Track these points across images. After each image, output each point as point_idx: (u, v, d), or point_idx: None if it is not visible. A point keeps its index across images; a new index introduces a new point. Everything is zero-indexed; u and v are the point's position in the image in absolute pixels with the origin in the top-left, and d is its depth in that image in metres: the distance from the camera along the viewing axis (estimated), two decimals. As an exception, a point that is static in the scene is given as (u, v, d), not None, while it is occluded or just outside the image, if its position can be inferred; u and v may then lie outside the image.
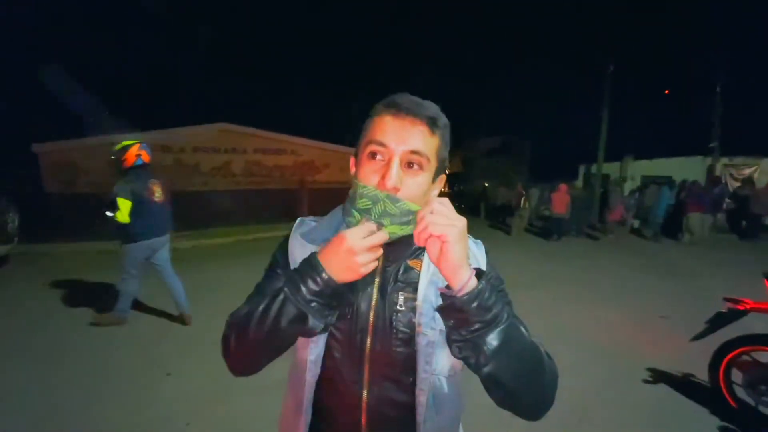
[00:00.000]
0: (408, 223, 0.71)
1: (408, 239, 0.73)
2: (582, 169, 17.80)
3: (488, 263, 0.82)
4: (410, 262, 0.78)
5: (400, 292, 0.76)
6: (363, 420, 0.77)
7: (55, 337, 3.80)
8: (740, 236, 9.88)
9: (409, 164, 0.71)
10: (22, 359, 3.33)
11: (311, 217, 0.88)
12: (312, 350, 0.77)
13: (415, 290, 0.76)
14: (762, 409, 2.39)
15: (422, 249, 0.76)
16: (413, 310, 0.75)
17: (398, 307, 0.75)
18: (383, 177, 0.69)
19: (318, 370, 0.78)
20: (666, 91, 18.53)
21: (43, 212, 8.74)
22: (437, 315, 0.71)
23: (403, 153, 0.70)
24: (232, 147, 11.37)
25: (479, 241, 0.87)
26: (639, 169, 14.72)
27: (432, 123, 0.72)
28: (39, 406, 2.67)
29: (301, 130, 12.77)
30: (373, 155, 0.72)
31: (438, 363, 0.75)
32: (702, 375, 2.77)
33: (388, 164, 0.70)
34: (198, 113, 12.47)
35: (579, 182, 16.02)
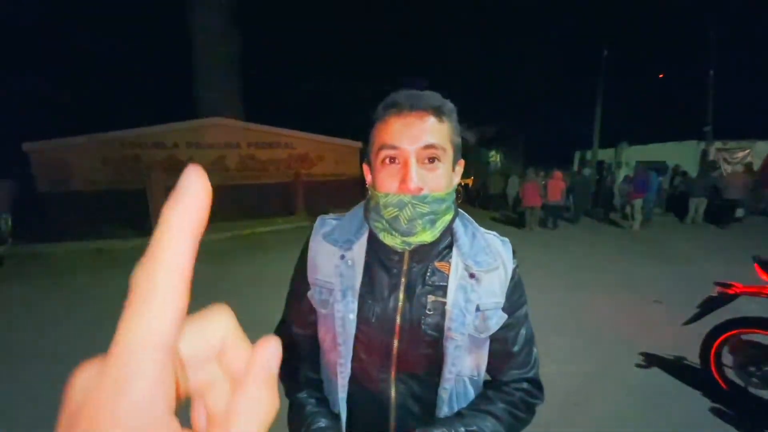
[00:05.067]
0: (437, 218, 0.71)
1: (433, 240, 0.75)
2: (577, 156, 17.83)
3: (517, 273, 0.82)
4: (437, 264, 0.77)
5: (428, 295, 0.75)
6: (392, 417, 0.79)
7: (52, 339, 3.80)
8: (717, 224, 9.78)
9: (427, 160, 0.69)
10: (18, 361, 3.34)
11: (332, 215, 0.86)
12: (341, 353, 0.77)
13: (444, 294, 0.75)
14: (751, 390, 2.45)
15: (449, 250, 0.78)
16: (442, 314, 0.74)
17: (427, 311, 0.75)
18: (403, 180, 0.67)
19: (348, 372, 0.78)
20: (661, 75, 18.51)
21: (36, 212, 8.67)
22: (466, 320, 0.73)
23: (417, 151, 0.68)
24: (226, 141, 11.30)
25: (506, 239, 0.84)
26: (634, 154, 14.74)
27: (438, 111, 0.70)
28: (36, 408, 2.68)
29: (295, 122, 12.68)
30: (387, 160, 0.70)
31: (463, 365, 0.76)
32: (694, 358, 2.81)
33: (405, 166, 0.68)
34: (192, 108, 12.32)
35: (575, 168, 16.05)
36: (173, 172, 10.03)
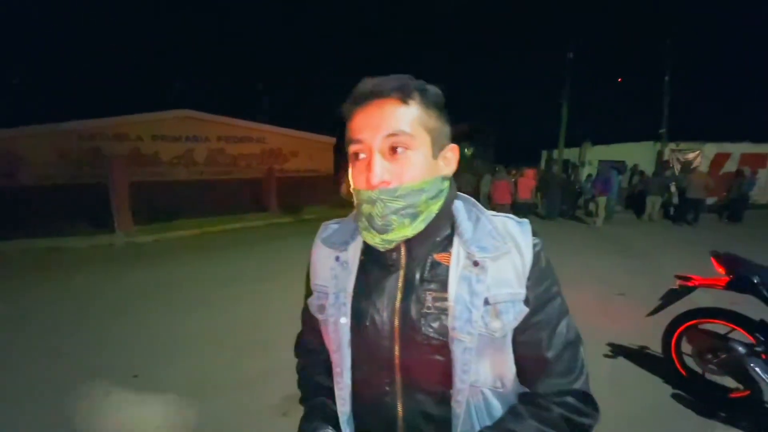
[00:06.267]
0: (418, 210, 0.64)
1: (429, 230, 0.67)
2: (544, 154, 18.47)
3: (542, 257, 0.70)
4: (437, 257, 0.68)
5: (427, 292, 0.66)
6: None
7: (9, 341, 3.54)
8: (674, 221, 10.45)
9: (392, 150, 0.62)
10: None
11: (335, 220, 0.82)
12: (337, 363, 0.72)
13: (445, 288, 0.65)
14: (708, 376, 2.62)
15: (449, 240, 0.69)
16: (444, 312, 0.64)
17: (426, 310, 0.65)
18: (368, 177, 0.63)
19: (346, 383, 0.72)
20: (620, 80, 19.46)
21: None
22: (473, 316, 0.63)
23: (381, 141, 0.62)
24: (194, 135, 10.86)
25: (525, 221, 0.71)
26: (596, 154, 15.43)
27: (401, 93, 0.62)
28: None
29: (267, 116, 12.40)
30: (356, 156, 0.65)
31: (479, 372, 0.65)
32: (656, 347, 2.99)
33: (368, 159, 0.63)
34: (157, 99, 11.78)
35: (542, 167, 16.60)
36: (137, 166, 9.56)
